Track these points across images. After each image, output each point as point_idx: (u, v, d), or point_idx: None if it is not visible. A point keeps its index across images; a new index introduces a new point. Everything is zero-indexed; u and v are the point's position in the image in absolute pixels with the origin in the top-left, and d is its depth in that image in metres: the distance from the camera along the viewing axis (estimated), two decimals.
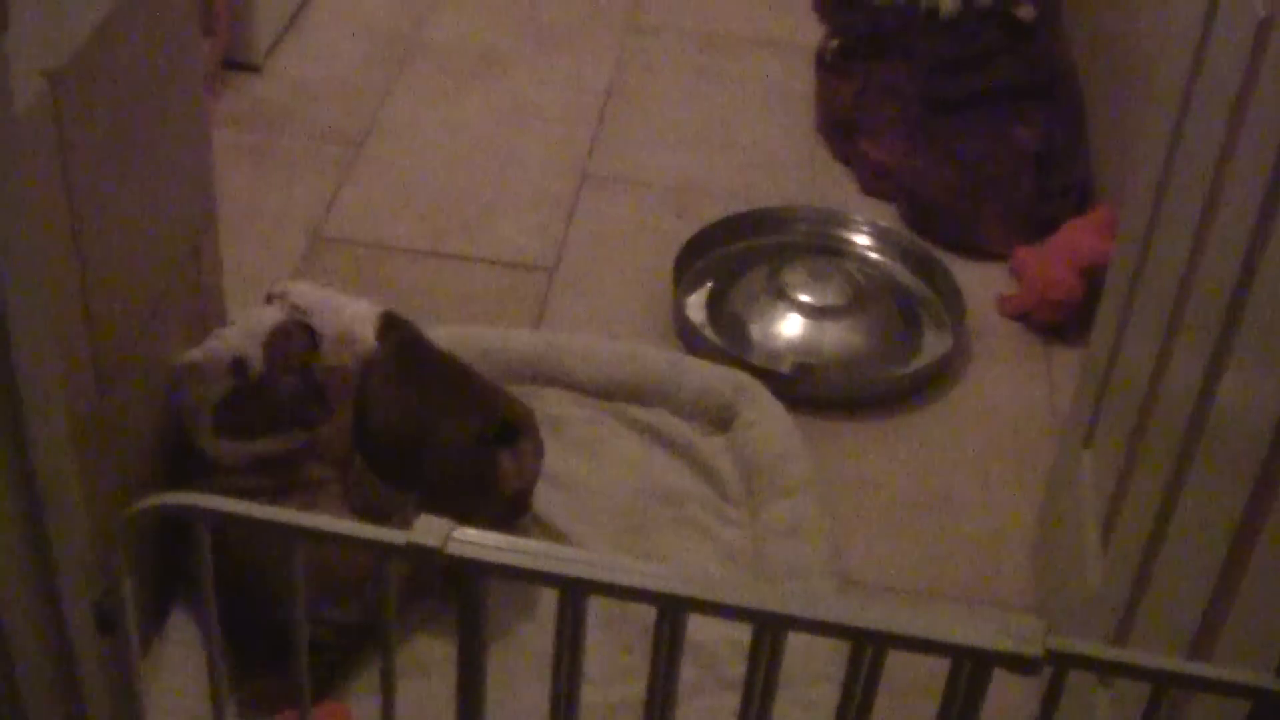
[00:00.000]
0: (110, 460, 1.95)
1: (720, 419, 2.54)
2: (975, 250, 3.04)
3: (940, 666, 1.20)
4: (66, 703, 1.29)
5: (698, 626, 2.10)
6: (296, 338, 2.13)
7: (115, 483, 1.94)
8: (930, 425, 2.68)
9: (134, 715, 1.35)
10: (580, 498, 2.40)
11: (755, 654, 1.18)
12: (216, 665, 1.31)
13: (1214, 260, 1.66)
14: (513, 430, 2.20)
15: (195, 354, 2.08)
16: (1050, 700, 1.20)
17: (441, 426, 2.16)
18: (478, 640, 1.21)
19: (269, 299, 2.19)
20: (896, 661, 1.99)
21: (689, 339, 2.77)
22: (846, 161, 3.26)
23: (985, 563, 2.41)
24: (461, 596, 1.19)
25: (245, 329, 2.12)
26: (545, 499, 2.34)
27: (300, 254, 2.92)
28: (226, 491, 1.95)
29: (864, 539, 2.44)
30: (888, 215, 3.12)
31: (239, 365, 2.06)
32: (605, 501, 2.39)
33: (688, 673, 2.08)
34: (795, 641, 2.05)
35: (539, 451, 2.24)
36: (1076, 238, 2.90)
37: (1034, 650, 1.15)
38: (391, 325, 2.23)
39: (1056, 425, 2.64)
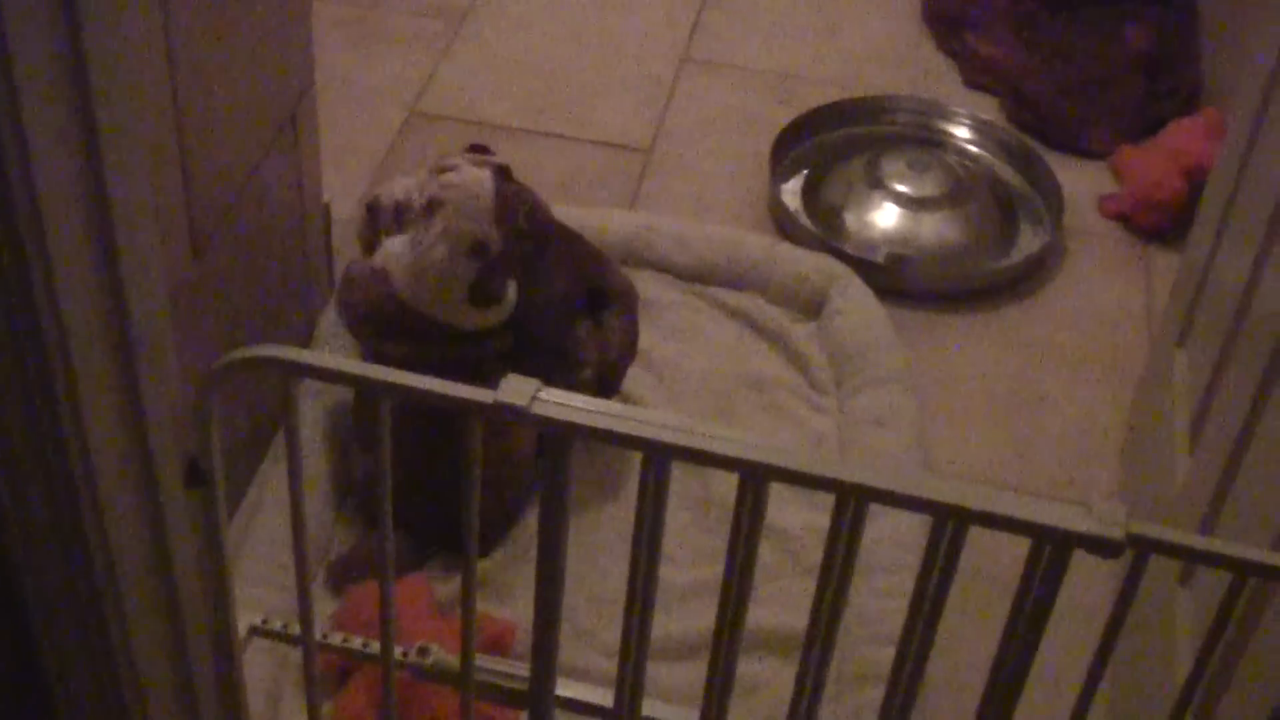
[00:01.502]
0: (205, 323, 1.97)
1: (813, 306, 2.54)
2: (1078, 149, 3.01)
3: (1021, 557, 1.20)
4: (156, 556, 1.31)
5: (780, 510, 2.15)
6: (520, 200, 2.10)
7: (210, 345, 1.96)
8: (1024, 322, 2.66)
9: (220, 570, 1.36)
10: (670, 380, 2.40)
11: (835, 526, 1.18)
12: (301, 522, 1.32)
13: None
14: (601, 300, 2.19)
15: (435, 245, 2.05)
16: (1130, 585, 1.19)
17: (534, 286, 2.14)
18: (561, 503, 1.22)
19: (442, 170, 2.13)
20: (978, 550, 2.00)
21: (784, 226, 2.76)
22: (952, 54, 3.23)
23: (1073, 460, 2.40)
24: (545, 457, 1.19)
25: (468, 206, 2.07)
26: (634, 379, 2.34)
27: (397, 129, 2.92)
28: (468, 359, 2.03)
29: (952, 432, 2.44)
30: (991, 110, 3.09)
31: (480, 247, 2.03)
32: (694, 384, 2.39)
33: (767, 555, 2.12)
34: (878, 533, 2.09)
35: (628, 329, 2.22)
36: (1182, 139, 2.86)
37: (1116, 533, 1.14)
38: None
39: (1151, 328, 2.62)
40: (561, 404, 1.16)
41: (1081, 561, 1.20)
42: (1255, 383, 1.68)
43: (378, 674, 1.50)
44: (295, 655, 1.89)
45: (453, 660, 1.42)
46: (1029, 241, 2.80)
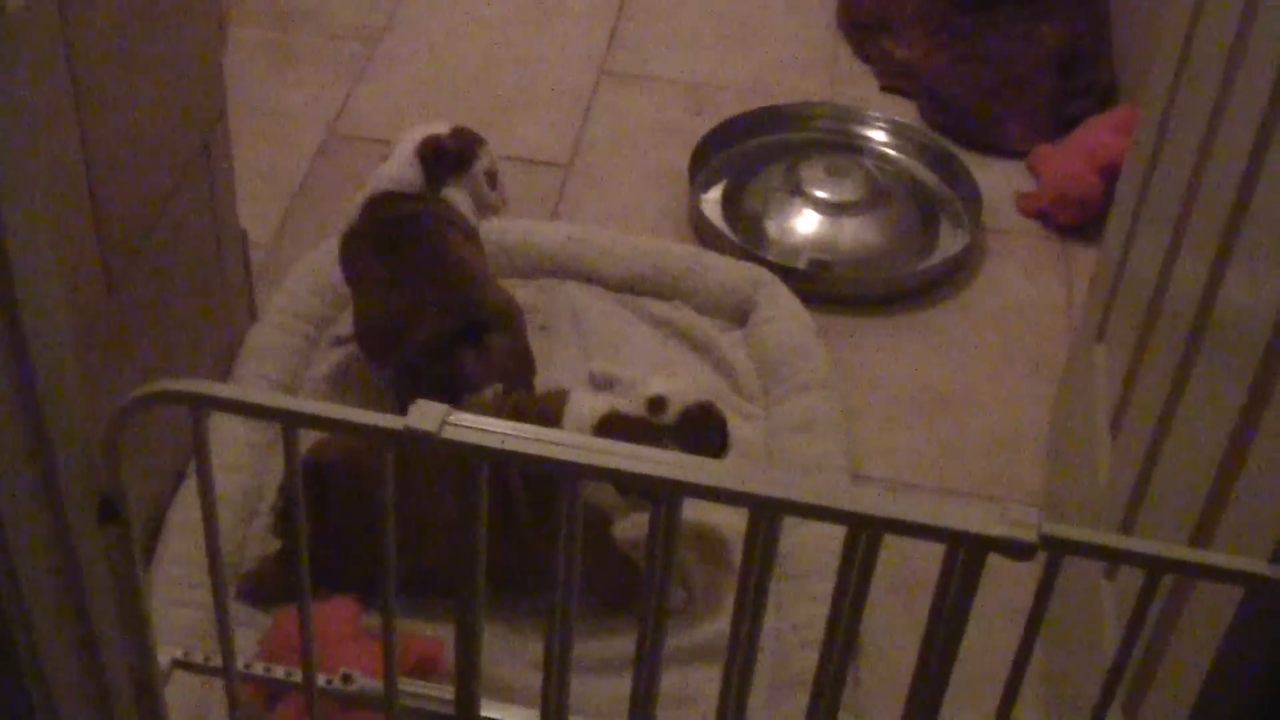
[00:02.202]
0: (124, 355, 1.95)
1: (738, 314, 2.54)
2: (995, 148, 3.03)
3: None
4: (68, 591, 1.30)
5: (713, 512, 2.14)
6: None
7: (130, 376, 1.95)
8: (946, 322, 2.67)
9: (136, 604, 1.36)
10: (601, 391, 2.40)
11: (751, 539, 1.18)
12: (217, 556, 1.31)
13: (1221, 161, 1.66)
14: (480, 327, 2.21)
15: None
16: (1045, 585, 1.20)
17: (415, 317, 2.19)
18: (479, 525, 1.22)
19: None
20: (900, 555, 2.00)
21: (705, 235, 2.76)
22: (868, 60, 3.24)
23: (998, 459, 2.42)
24: (460, 482, 1.19)
25: None
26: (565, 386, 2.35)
27: (315, 152, 2.91)
28: None
29: (878, 435, 2.44)
30: (908, 113, 3.10)
31: None
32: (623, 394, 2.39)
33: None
34: (808, 538, 2.09)
35: (512, 347, 2.23)
36: (1097, 136, 2.88)
37: (1028, 535, 1.15)
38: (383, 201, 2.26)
39: (1073, 324, 2.63)
40: (471, 427, 1.16)
41: (1005, 565, 1.21)
42: (1170, 375, 1.70)
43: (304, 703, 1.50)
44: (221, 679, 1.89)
45: (377, 685, 1.42)
46: (949, 242, 2.81)
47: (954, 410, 2.50)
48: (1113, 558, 1.19)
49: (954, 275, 2.75)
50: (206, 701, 1.92)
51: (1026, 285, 2.76)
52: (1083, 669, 1.88)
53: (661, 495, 1.16)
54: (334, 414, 1.18)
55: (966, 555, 1.17)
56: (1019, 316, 2.69)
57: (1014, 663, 1.27)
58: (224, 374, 2.31)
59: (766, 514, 1.16)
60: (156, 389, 1.23)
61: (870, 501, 1.15)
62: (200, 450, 1.25)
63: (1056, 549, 1.17)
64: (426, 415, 1.17)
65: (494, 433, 1.16)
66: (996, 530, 1.15)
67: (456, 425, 1.16)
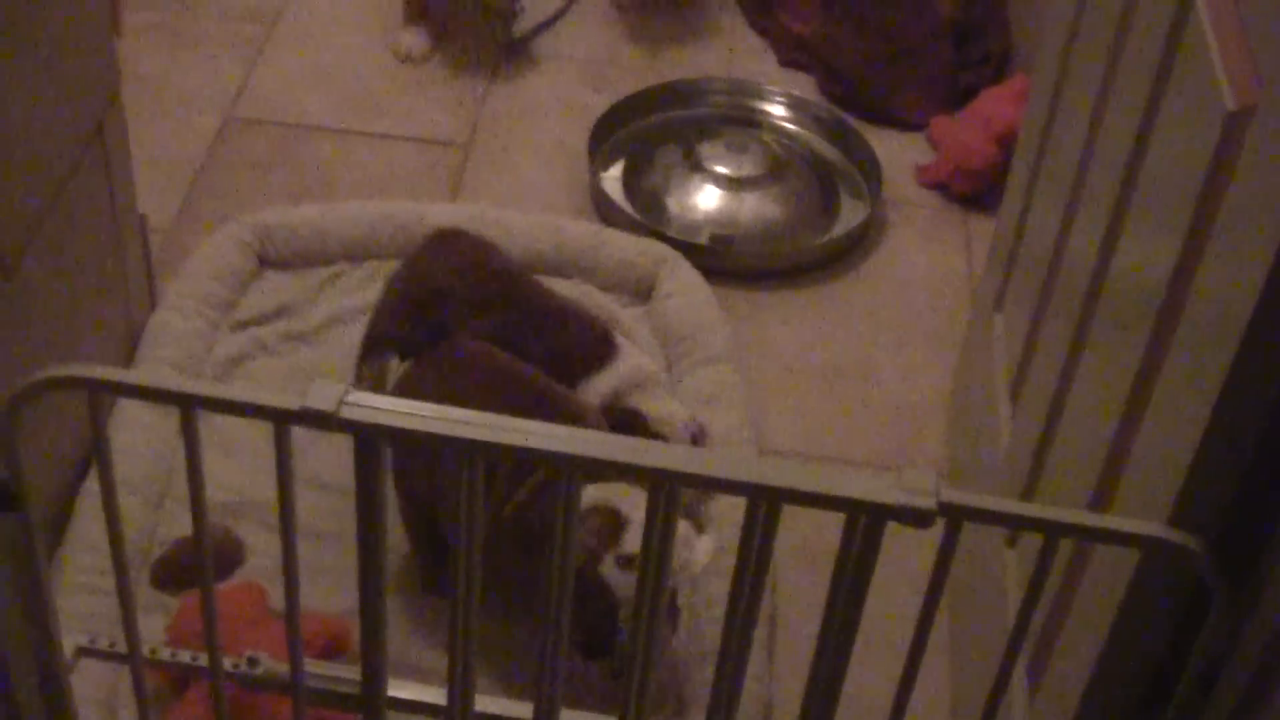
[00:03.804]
0: (21, 341, 1.93)
1: (640, 290, 2.55)
2: (892, 120, 3.05)
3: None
4: None
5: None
6: None
7: (28, 363, 1.93)
8: (848, 295, 2.69)
9: (38, 591, 1.35)
10: None
11: (651, 513, 1.18)
12: (120, 541, 1.31)
13: (1112, 130, 1.68)
14: None
15: None
16: (945, 553, 1.21)
17: None
18: (376, 506, 1.22)
19: None
20: (810, 525, 2.02)
21: (606, 213, 2.76)
22: (764, 34, 3.25)
23: (902, 430, 2.43)
24: (357, 461, 1.19)
25: None
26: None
27: (214, 135, 2.89)
28: None
29: (782, 408, 2.46)
30: (806, 87, 3.11)
31: None
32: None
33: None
34: (723, 511, 2.10)
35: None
36: (993, 107, 2.90)
37: (927, 503, 1.16)
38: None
39: (973, 294, 2.65)
40: (370, 406, 1.16)
41: (908, 534, 1.22)
42: (1067, 342, 1.72)
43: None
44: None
45: (282, 668, 1.42)
46: (850, 215, 2.83)
47: (856, 381, 2.52)
48: (1011, 523, 1.20)
49: (855, 247, 2.77)
50: (117, 690, 1.91)
51: (927, 256, 2.78)
52: (987, 635, 1.90)
53: (560, 470, 1.17)
54: (230, 394, 1.18)
55: (866, 524, 1.18)
56: (920, 287, 2.71)
57: (917, 627, 1.28)
58: (126, 360, 2.29)
59: (665, 487, 1.17)
60: (50, 375, 1.22)
61: (769, 472, 1.16)
62: (98, 435, 1.24)
63: (955, 516, 1.18)
64: (324, 394, 1.16)
65: (392, 411, 1.16)
66: (894, 498, 1.16)
67: (354, 404, 1.16)
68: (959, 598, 2.08)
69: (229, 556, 2.09)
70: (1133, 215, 1.55)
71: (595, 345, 2.17)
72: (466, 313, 2.14)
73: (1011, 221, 2.14)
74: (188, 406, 1.20)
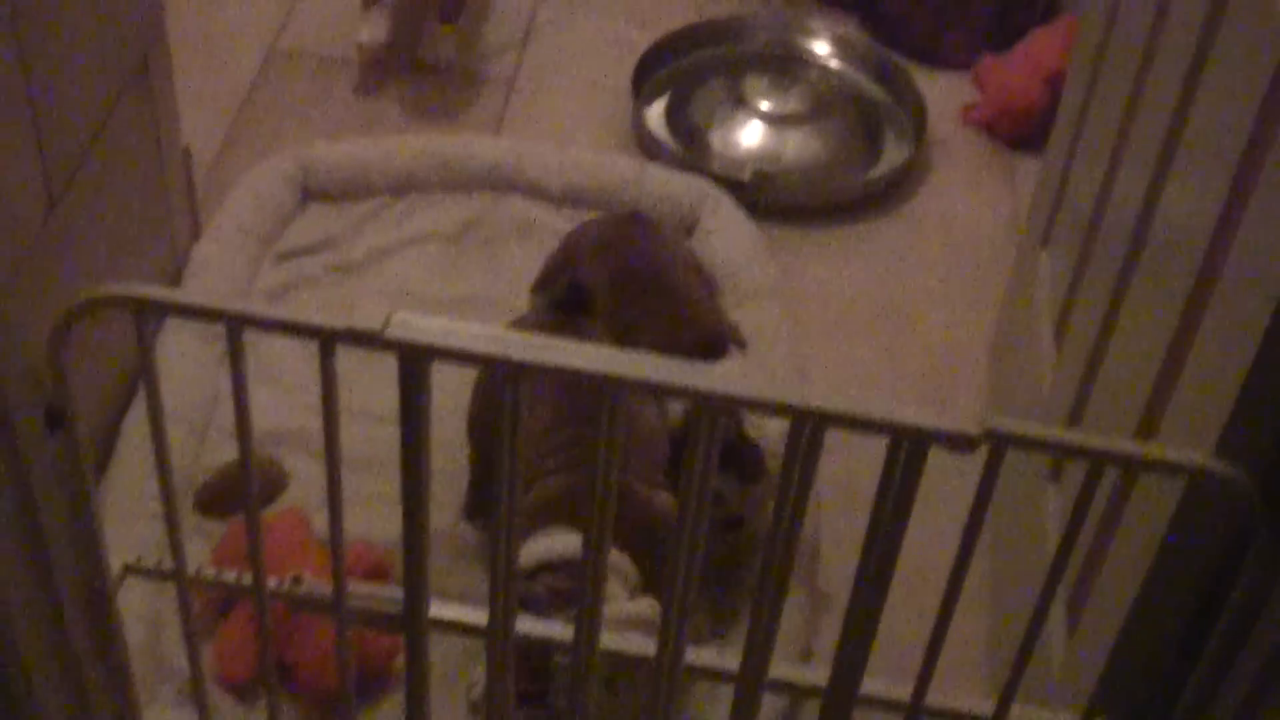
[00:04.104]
0: (65, 270, 1.94)
1: (683, 226, 2.54)
2: (938, 60, 3.03)
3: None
4: (19, 502, 1.30)
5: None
6: None
7: (70, 295, 1.94)
8: (891, 234, 2.68)
9: (85, 509, 1.35)
10: None
11: (693, 435, 1.18)
12: (165, 456, 1.31)
13: (1160, 73, 1.67)
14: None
15: None
16: (988, 479, 1.21)
17: None
18: (421, 429, 1.22)
19: None
20: (844, 469, 2.02)
21: (649, 149, 2.76)
22: None
23: (944, 369, 2.43)
24: (402, 381, 1.19)
25: None
26: (510, 299, 2.37)
27: (257, 69, 2.89)
28: None
29: (824, 346, 2.45)
30: (850, 25, 3.10)
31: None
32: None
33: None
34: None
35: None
36: (1041, 47, 2.88)
37: (970, 428, 1.16)
38: None
39: (1017, 235, 2.64)
40: (417, 325, 1.16)
41: (960, 457, 1.21)
42: (1113, 280, 1.71)
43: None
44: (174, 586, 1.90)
45: (325, 588, 1.42)
46: (893, 154, 2.82)
47: (899, 321, 2.51)
48: (1055, 451, 1.20)
49: (898, 188, 2.76)
50: (160, 614, 1.93)
51: (971, 197, 2.77)
52: (1026, 572, 1.90)
53: (604, 389, 1.17)
54: (277, 315, 1.18)
55: (909, 450, 1.18)
56: (963, 228, 2.70)
57: (956, 558, 1.28)
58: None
59: (709, 408, 1.17)
60: (100, 293, 1.22)
61: (814, 395, 1.16)
62: (146, 355, 1.24)
63: (999, 442, 1.18)
64: (371, 314, 1.16)
65: (440, 331, 1.16)
66: (939, 423, 1.16)
67: (401, 324, 1.16)
68: (997, 538, 2.08)
69: (272, 484, 2.10)
70: (1180, 159, 1.54)
71: (703, 354, 2.16)
72: (603, 296, 2.15)
73: (1059, 161, 2.13)
74: (235, 327, 1.20)
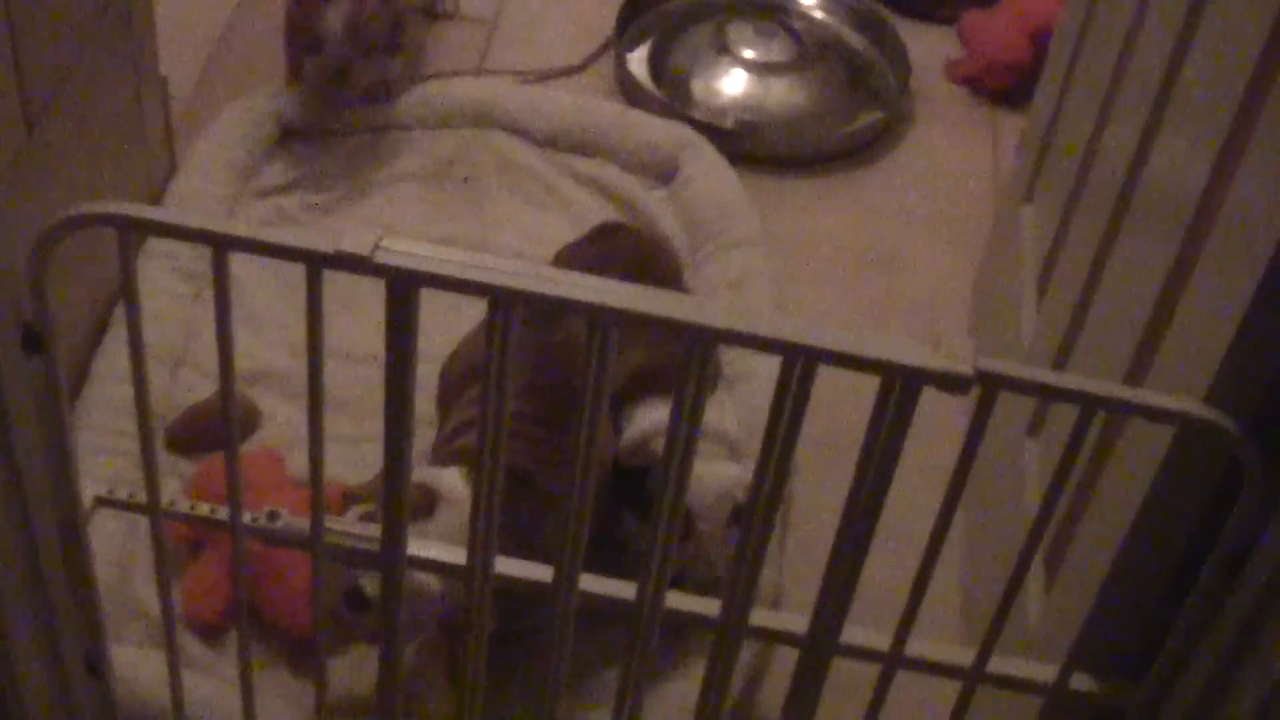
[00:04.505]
0: (42, 195, 1.92)
1: (664, 173, 2.52)
2: (924, 13, 3.01)
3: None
4: None
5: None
6: None
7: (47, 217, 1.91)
8: (874, 185, 2.66)
9: (60, 436, 1.33)
10: (526, 241, 2.38)
11: (685, 370, 1.17)
12: (144, 379, 1.29)
13: (1151, 29, 1.65)
14: None
15: None
16: (979, 420, 1.20)
17: None
18: (407, 353, 1.20)
19: None
20: (827, 418, 2.01)
21: (631, 94, 2.74)
22: None
23: (924, 320, 2.42)
24: (389, 308, 1.17)
25: None
26: (489, 238, 2.37)
27: (235, 2, 2.85)
28: None
29: (806, 295, 2.44)
30: None
31: None
32: (551, 248, 2.36)
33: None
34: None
35: None
36: (1027, 3, 2.86)
37: (964, 368, 1.15)
38: None
39: (1000, 190, 2.63)
40: (405, 252, 1.14)
41: (935, 408, 1.20)
42: (1100, 235, 1.70)
43: (229, 546, 1.48)
44: (145, 523, 1.88)
45: (302, 524, 1.41)
46: (876, 107, 2.80)
47: (880, 271, 2.50)
48: (1047, 394, 1.19)
49: (881, 139, 2.74)
50: (130, 549, 1.91)
51: (953, 151, 2.75)
52: (1004, 528, 1.89)
53: (594, 322, 1.15)
54: (263, 236, 1.16)
55: (902, 389, 1.17)
56: (945, 181, 2.69)
57: (944, 503, 1.27)
58: None
59: (702, 343, 1.15)
60: (84, 211, 1.20)
61: (807, 331, 1.14)
62: (128, 276, 1.22)
63: (991, 384, 1.17)
64: (359, 239, 1.15)
65: (429, 257, 1.14)
66: (933, 363, 1.14)
67: (389, 249, 1.14)
68: (974, 492, 2.07)
69: (245, 423, 2.08)
70: (1170, 116, 1.53)
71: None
72: None
73: (1045, 116, 2.12)
74: (220, 248, 1.18)
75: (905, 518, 1.58)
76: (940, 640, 1.48)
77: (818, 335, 1.14)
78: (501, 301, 1.15)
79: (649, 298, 1.13)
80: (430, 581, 1.63)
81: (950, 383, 1.15)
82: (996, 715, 1.60)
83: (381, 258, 1.14)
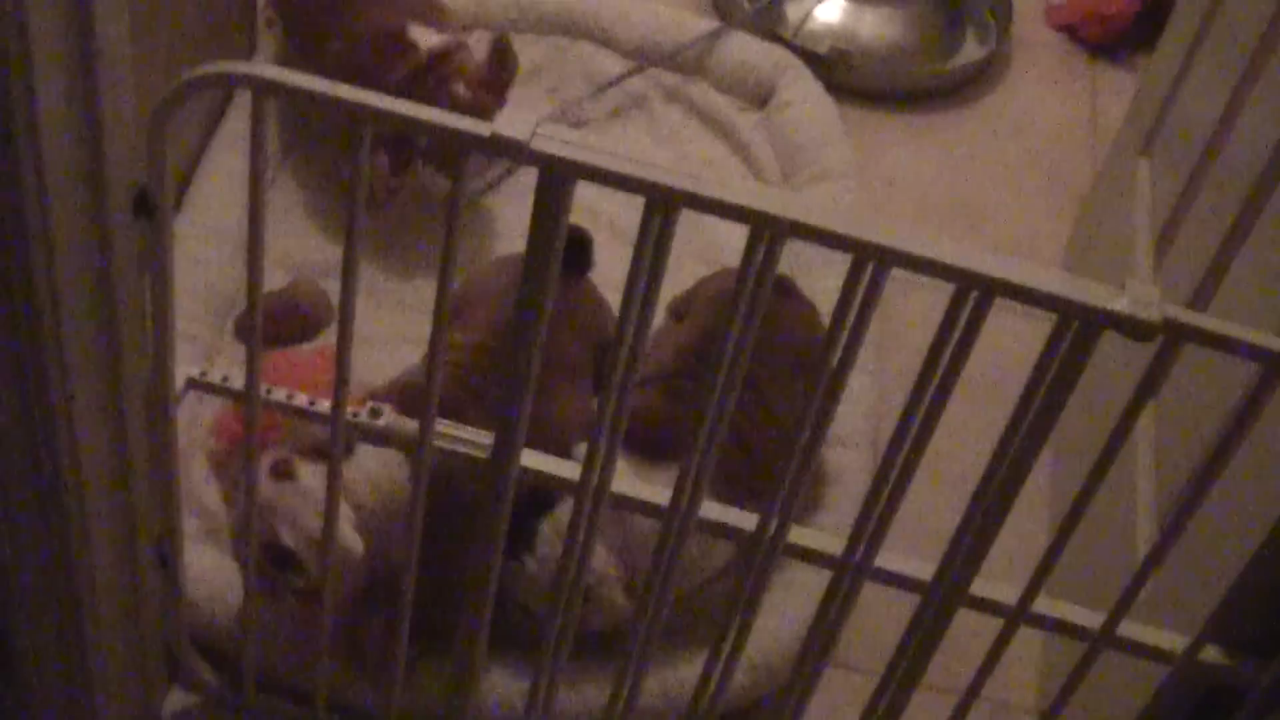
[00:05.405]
0: (159, 47, 1.85)
1: (759, 96, 2.43)
2: None
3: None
4: (100, 288, 1.21)
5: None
6: None
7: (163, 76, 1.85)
8: (965, 129, 2.58)
9: (164, 302, 1.26)
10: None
11: (848, 290, 1.09)
12: (259, 254, 1.22)
13: None
14: None
15: None
16: (1155, 374, 1.12)
17: None
18: (553, 244, 1.12)
19: None
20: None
21: (725, 13, 2.64)
22: None
23: None
24: (539, 196, 1.10)
25: None
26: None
27: None
28: None
29: None
30: None
31: None
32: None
33: None
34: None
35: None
36: None
37: (1151, 314, 1.07)
38: None
39: (1096, 143, 2.55)
40: (564, 141, 1.06)
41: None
42: (1234, 208, 1.61)
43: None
44: (205, 415, 1.81)
45: (408, 424, 1.33)
46: (973, 48, 2.71)
47: (967, 217, 2.42)
48: (1233, 349, 1.10)
49: (976, 82, 2.66)
50: (190, 438, 1.83)
51: (1049, 100, 2.67)
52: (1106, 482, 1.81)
53: (760, 230, 1.07)
54: (412, 111, 1.08)
55: (1079, 331, 1.09)
56: (1039, 130, 2.60)
57: (1105, 448, 1.19)
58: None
59: (872, 264, 1.07)
60: (214, 70, 1.12)
61: (986, 262, 1.06)
62: (256, 140, 1.14)
63: (1176, 334, 1.09)
64: (516, 124, 1.07)
65: (588, 149, 1.07)
66: (1119, 306, 1.06)
67: (547, 137, 1.06)
68: (1065, 445, 2.00)
69: (317, 317, 2.00)
70: None
71: None
72: None
73: (1167, 72, 2.03)
74: (363, 121, 1.10)
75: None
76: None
77: (995, 264, 1.06)
78: (661, 201, 1.07)
79: (819, 211, 1.05)
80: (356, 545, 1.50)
81: (1134, 328, 1.07)
82: (1107, 678, 1.52)
83: (539, 145, 1.06)
